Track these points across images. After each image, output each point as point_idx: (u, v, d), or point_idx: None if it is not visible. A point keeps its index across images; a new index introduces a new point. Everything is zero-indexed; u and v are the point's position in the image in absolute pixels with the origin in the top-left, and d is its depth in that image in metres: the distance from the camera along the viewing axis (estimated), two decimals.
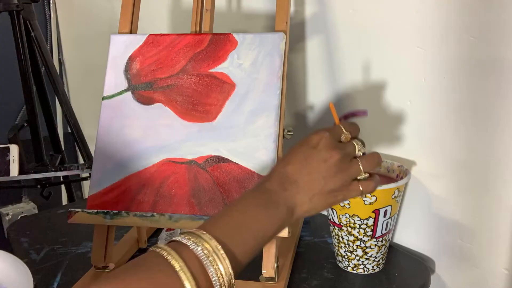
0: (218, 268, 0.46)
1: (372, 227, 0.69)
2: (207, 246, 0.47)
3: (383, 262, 0.74)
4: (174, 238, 0.48)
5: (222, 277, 0.46)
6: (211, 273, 0.46)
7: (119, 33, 0.75)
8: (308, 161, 0.55)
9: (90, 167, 1.15)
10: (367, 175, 0.56)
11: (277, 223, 0.53)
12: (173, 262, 0.45)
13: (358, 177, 0.56)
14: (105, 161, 0.70)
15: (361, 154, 0.57)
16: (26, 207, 1.68)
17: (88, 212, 0.66)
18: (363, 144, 0.58)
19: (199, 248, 0.46)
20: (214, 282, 0.46)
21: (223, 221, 0.51)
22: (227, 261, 0.47)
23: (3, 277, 0.66)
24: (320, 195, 0.54)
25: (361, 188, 0.56)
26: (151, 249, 0.47)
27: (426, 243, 0.78)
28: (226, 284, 0.47)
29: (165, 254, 0.45)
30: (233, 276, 0.47)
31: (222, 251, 0.47)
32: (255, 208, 0.52)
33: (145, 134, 0.70)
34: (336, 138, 0.57)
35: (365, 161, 0.56)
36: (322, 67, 0.86)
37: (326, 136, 0.55)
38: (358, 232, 0.70)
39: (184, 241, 0.47)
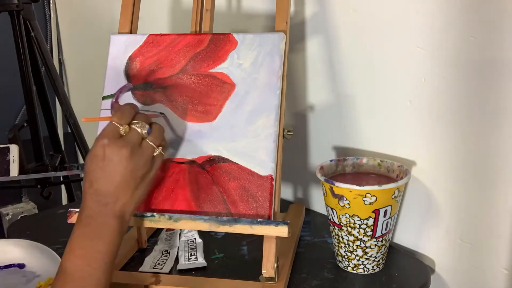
0: None
1: (372, 227, 0.69)
2: None
3: (383, 262, 0.74)
4: None
5: None
6: None
7: (119, 33, 0.75)
8: (106, 171, 0.58)
9: None
10: (160, 148, 0.62)
11: (115, 239, 0.58)
12: None
13: (155, 154, 0.62)
14: None
15: (146, 132, 0.61)
16: (26, 207, 1.67)
17: None
18: (144, 119, 0.62)
19: None
20: None
21: (71, 271, 0.55)
22: None
23: (30, 260, 0.75)
24: (135, 187, 0.60)
25: (163, 155, 0.63)
26: None
27: (426, 243, 0.78)
28: None
29: None
30: None
31: None
32: (88, 243, 0.56)
33: None
34: (115, 136, 0.60)
35: (152, 138, 0.62)
36: (322, 67, 0.86)
37: (105, 143, 0.58)
38: (358, 232, 0.70)
39: None
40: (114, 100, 0.68)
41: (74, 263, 0.55)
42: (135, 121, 0.61)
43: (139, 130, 0.61)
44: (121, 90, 0.69)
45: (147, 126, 0.62)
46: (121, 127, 0.60)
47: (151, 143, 0.61)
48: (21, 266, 0.74)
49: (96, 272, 0.55)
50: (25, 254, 0.75)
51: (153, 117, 0.67)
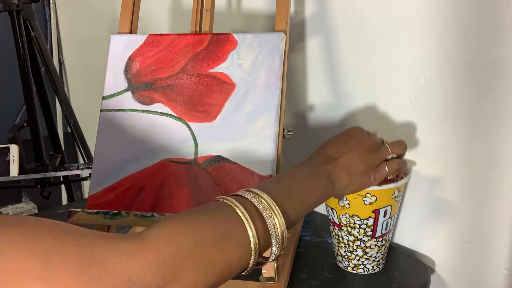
0: (274, 221, 0.51)
1: (372, 227, 0.69)
2: (264, 202, 0.52)
3: (383, 262, 0.74)
4: (235, 193, 0.54)
5: (277, 229, 0.51)
6: (269, 224, 0.51)
7: (119, 33, 0.75)
8: (346, 143, 0.64)
9: (90, 167, 1.15)
10: (395, 155, 0.65)
11: (320, 191, 0.60)
12: (237, 210, 0.50)
13: (388, 157, 0.65)
14: (105, 161, 0.70)
15: (391, 156, 0.66)
16: (26, 207, 1.68)
17: (88, 212, 0.66)
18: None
19: (257, 202, 0.51)
20: (271, 233, 0.51)
21: (277, 183, 0.57)
22: (281, 216, 0.52)
23: None
24: (356, 173, 0.62)
25: (386, 168, 0.64)
26: (216, 198, 0.53)
27: (426, 243, 0.78)
28: (280, 237, 0.52)
29: (230, 203, 0.51)
30: (285, 231, 0.52)
31: (277, 207, 0.52)
32: (302, 175, 0.60)
33: (145, 134, 0.70)
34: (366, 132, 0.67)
35: (393, 146, 0.66)
36: (322, 67, 0.86)
37: (359, 128, 0.67)
38: (358, 232, 0.70)
39: (246, 195, 0.52)
40: None
41: (291, 183, 0.58)
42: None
43: (388, 150, 0.66)
44: None
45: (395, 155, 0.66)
46: (371, 132, 0.69)
47: (389, 149, 0.65)
48: None
49: (305, 203, 0.58)
50: None
51: None
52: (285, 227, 0.52)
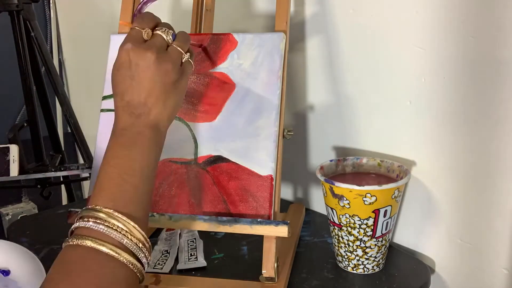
0: (119, 227, 0.49)
1: (372, 227, 0.69)
2: (101, 215, 0.49)
3: (383, 262, 0.74)
4: (73, 227, 0.50)
5: (128, 232, 0.49)
6: (114, 235, 0.48)
7: (119, 33, 0.75)
8: (135, 79, 0.55)
9: (90, 167, 1.15)
10: (188, 54, 0.59)
11: (152, 149, 0.55)
12: (89, 243, 0.47)
13: (183, 60, 0.59)
14: None
15: (171, 38, 0.58)
16: (26, 207, 1.68)
17: None
18: (168, 26, 0.59)
19: (92, 223, 0.49)
20: (124, 242, 0.49)
21: (105, 182, 0.52)
22: (122, 217, 0.49)
23: (15, 267, 0.66)
24: (167, 95, 0.56)
25: (192, 64, 0.60)
26: (66, 245, 0.49)
27: (426, 243, 0.78)
28: (136, 237, 0.50)
29: (76, 242, 0.48)
30: (137, 227, 0.50)
31: (116, 213, 0.49)
32: (124, 152, 0.53)
33: None
34: (139, 40, 0.57)
35: (179, 43, 0.58)
36: (322, 67, 0.86)
37: (129, 47, 0.55)
38: (358, 232, 0.70)
39: (83, 224, 0.49)
40: (136, 10, 0.66)
41: (108, 173, 0.52)
42: (158, 27, 0.59)
43: (163, 35, 0.58)
44: (146, 2, 0.66)
45: (171, 31, 0.59)
46: (144, 31, 0.57)
47: (178, 48, 0.58)
48: (5, 273, 0.68)
49: (133, 179, 0.52)
50: (10, 259, 0.69)
51: (149, 3, 0.66)
52: (133, 224, 0.50)
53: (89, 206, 0.50)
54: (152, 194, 0.55)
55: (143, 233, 0.51)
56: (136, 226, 0.50)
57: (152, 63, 0.55)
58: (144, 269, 0.51)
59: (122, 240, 0.49)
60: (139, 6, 0.66)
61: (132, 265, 0.49)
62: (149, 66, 0.55)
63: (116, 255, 0.48)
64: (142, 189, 0.53)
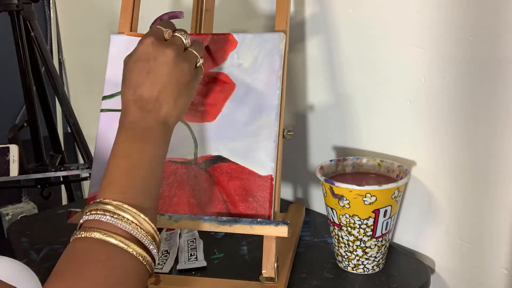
0: (128, 219, 0.49)
1: (372, 227, 0.69)
2: (109, 208, 0.49)
3: (383, 262, 0.74)
4: (82, 220, 0.50)
5: (137, 225, 0.49)
6: (123, 226, 0.48)
7: (119, 33, 0.75)
8: (151, 74, 0.56)
9: (90, 167, 1.15)
10: (202, 59, 0.62)
11: (161, 144, 0.55)
12: (98, 235, 0.47)
13: (198, 64, 0.61)
14: (105, 161, 0.69)
15: (189, 42, 0.61)
16: (26, 207, 1.68)
17: None
18: (185, 32, 0.62)
19: (100, 215, 0.49)
20: (134, 233, 0.49)
21: (114, 175, 0.52)
22: (132, 209, 0.49)
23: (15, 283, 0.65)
24: (179, 94, 0.57)
25: (203, 70, 0.62)
26: (74, 238, 0.49)
27: (426, 243, 0.78)
28: (145, 230, 0.49)
29: (85, 234, 0.48)
30: (147, 220, 0.50)
31: (125, 205, 0.49)
32: (133, 146, 0.53)
33: None
34: (161, 37, 0.58)
35: (195, 48, 0.61)
36: (322, 67, 0.86)
37: (152, 40, 0.56)
38: (358, 232, 0.70)
39: (91, 217, 0.49)
40: (158, 18, 0.67)
41: (118, 165, 0.52)
42: (178, 31, 0.61)
43: (182, 38, 0.60)
44: (171, 16, 0.68)
45: (190, 36, 0.61)
46: (165, 31, 0.59)
47: (194, 52, 0.60)
48: None
49: (142, 173, 0.52)
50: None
51: (174, 17, 0.68)
52: (143, 217, 0.50)
53: (98, 200, 0.50)
54: (160, 189, 0.55)
55: (153, 225, 0.50)
56: (146, 218, 0.50)
57: (171, 60, 0.56)
58: (154, 263, 0.51)
59: (132, 232, 0.49)
60: (161, 15, 0.68)
61: (141, 257, 0.48)
62: (168, 62, 0.56)
63: (125, 246, 0.47)
64: (151, 182, 0.53)
